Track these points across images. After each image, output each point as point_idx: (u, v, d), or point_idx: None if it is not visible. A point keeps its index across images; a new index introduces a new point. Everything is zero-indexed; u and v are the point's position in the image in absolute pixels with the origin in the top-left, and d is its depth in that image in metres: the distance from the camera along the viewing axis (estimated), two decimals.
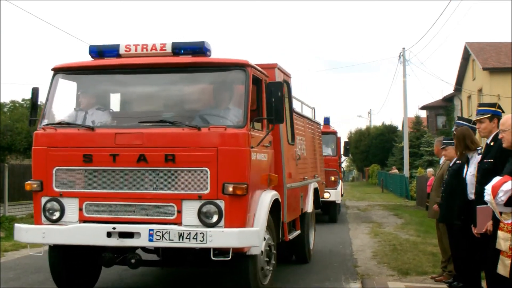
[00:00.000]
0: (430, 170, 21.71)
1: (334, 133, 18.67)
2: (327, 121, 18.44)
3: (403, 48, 32.70)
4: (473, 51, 37.70)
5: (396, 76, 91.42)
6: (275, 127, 7.14)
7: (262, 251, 6.71)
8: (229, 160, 6.17)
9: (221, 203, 6.13)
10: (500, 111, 6.19)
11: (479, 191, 5.69)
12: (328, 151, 17.57)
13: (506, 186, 4.66)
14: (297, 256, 9.95)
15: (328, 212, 17.46)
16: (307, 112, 11.36)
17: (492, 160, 5.63)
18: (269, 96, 6.50)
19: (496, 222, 4.98)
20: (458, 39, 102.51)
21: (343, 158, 20.41)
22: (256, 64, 7.05)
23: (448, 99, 45.65)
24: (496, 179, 4.81)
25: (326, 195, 15.90)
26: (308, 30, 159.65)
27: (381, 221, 17.69)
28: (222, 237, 6.01)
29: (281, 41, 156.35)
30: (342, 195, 19.39)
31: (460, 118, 7.64)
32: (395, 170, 37.84)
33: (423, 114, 49.19)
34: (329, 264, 10.04)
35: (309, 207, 9.88)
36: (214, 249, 6.08)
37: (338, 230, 15.42)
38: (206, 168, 6.15)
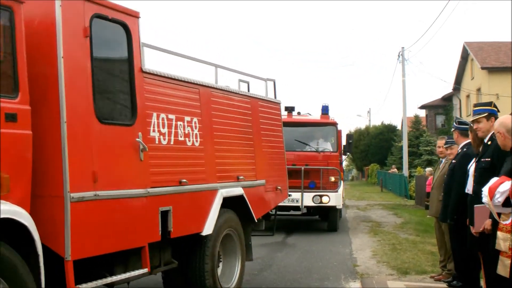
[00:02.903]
0: (429, 169, 21.75)
1: (334, 124, 15.30)
2: (325, 110, 15.43)
3: (402, 48, 32.69)
4: (472, 51, 37.74)
5: (395, 75, 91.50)
6: (39, 89, 4.56)
7: None
8: None
9: None
10: (496, 109, 6.23)
11: (477, 191, 5.74)
12: (327, 146, 15.03)
13: (502, 187, 4.69)
14: None
15: (326, 219, 15.11)
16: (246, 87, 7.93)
17: (489, 159, 5.67)
18: None
19: (496, 223, 5.01)
20: (457, 38, 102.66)
21: (344, 153, 16.99)
22: None
23: (447, 98, 45.70)
24: (493, 180, 4.84)
25: (324, 199, 13.98)
26: (309, 31, 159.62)
27: (381, 221, 17.72)
28: None
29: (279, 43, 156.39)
30: (343, 197, 16.48)
31: (461, 122, 7.67)
32: (394, 170, 37.88)
33: (422, 113, 49.28)
34: (328, 263, 10.06)
35: (208, 227, 6.38)
36: None
37: (337, 229, 15.41)
38: None
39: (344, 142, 16.20)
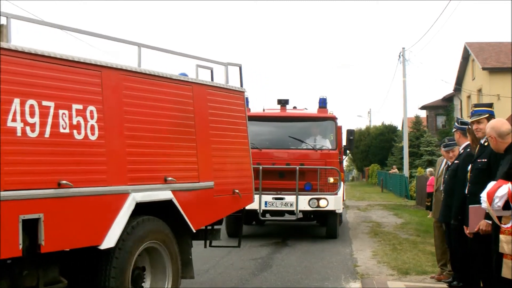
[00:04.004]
0: (429, 169, 21.71)
1: (333, 119, 13.47)
2: (323, 102, 13.60)
3: (403, 48, 32.74)
4: (473, 51, 37.73)
5: (395, 76, 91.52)
6: None
7: None
8: None
9: None
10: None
11: (472, 191, 5.74)
12: (325, 143, 13.26)
13: (500, 192, 4.69)
14: None
15: (325, 224, 13.53)
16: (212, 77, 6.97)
17: (486, 160, 5.67)
18: None
19: (497, 226, 5.01)
20: (458, 38, 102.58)
21: (344, 153, 15.04)
22: None
23: (448, 99, 45.71)
24: (490, 185, 4.84)
25: (322, 203, 12.38)
26: (310, 31, 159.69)
27: (381, 221, 17.71)
28: None
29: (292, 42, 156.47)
30: (344, 200, 14.70)
31: (463, 123, 7.64)
32: (395, 170, 37.86)
33: (423, 114, 49.27)
34: (328, 263, 10.06)
35: (110, 239, 5.17)
36: None
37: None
38: None
39: (344, 139, 14.31)
